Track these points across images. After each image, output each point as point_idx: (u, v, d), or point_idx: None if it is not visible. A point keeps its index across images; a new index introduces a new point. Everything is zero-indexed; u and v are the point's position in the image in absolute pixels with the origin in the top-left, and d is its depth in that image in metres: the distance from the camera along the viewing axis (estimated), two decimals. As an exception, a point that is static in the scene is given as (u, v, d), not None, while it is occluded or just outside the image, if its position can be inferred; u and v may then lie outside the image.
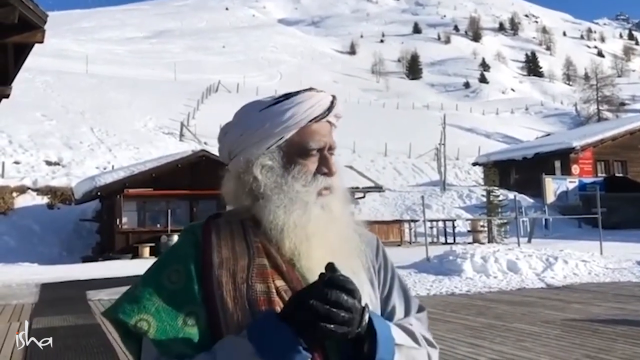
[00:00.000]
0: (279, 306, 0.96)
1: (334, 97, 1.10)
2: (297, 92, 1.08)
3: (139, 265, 16.75)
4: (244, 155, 1.07)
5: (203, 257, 1.02)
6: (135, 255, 20.19)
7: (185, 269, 1.01)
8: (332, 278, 0.88)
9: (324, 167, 1.05)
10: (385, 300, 1.12)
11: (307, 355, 0.87)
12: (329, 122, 1.09)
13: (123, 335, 1.02)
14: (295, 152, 1.05)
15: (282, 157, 1.05)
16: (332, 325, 0.86)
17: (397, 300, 1.13)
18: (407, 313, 1.13)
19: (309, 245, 1.02)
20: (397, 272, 1.17)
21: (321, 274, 0.90)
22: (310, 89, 1.10)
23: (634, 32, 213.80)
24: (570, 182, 28.62)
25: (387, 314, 1.10)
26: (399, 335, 1.00)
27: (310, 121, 1.05)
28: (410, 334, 1.04)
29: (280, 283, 1.00)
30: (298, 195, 1.02)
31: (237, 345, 0.90)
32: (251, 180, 1.05)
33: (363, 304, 0.91)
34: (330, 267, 0.91)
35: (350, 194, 1.13)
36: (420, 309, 1.15)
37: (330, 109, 1.07)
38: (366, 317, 0.91)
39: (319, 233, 1.02)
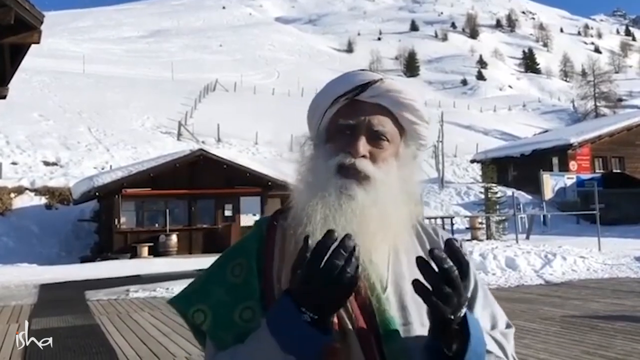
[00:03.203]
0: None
1: (378, 79, 1.01)
2: (349, 72, 1.06)
3: (138, 265, 16.77)
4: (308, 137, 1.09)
5: (266, 251, 1.00)
6: (134, 255, 20.19)
7: (247, 263, 1.00)
8: (318, 244, 0.83)
9: (348, 146, 0.97)
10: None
11: (320, 331, 0.81)
12: (382, 106, 1.01)
13: (191, 324, 1.01)
14: (332, 129, 1.02)
15: (325, 136, 1.03)
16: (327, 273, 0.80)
17: (479, 313, 1.00)
18: (492, 328, 1.01)
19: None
20: (483, 283, 1.06)
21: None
22: (363, 69, 1.07)
23: (630, 28, 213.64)
24: (568, 178, 28.58)
25: None
26: (488, 341, 0.91)
27: (341, 98, 1.00)
28: (500, 345, 0.95)
29: None
30: (320, 170, 0.97)
31: (256, 333, 0.88)
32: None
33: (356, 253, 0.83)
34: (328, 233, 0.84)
35: (413, 196, 1.02)
36: (507, 326, 1.03)
37: (363, 87, 1.00)
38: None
39: (337, 215, 0.93)
